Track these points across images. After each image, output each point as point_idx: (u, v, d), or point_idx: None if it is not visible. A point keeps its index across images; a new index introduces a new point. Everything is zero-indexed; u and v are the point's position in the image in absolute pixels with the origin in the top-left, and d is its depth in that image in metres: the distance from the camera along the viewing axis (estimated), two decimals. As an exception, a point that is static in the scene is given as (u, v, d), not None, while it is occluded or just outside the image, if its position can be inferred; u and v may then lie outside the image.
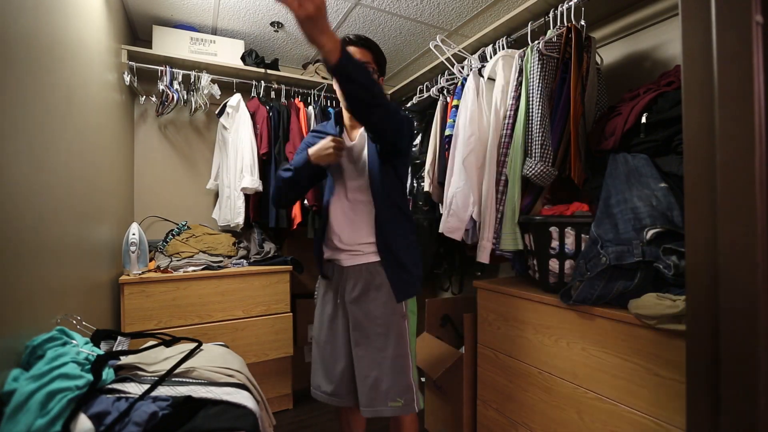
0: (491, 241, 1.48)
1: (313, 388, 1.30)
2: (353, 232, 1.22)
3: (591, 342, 1.09)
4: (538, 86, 1.32)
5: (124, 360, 0.89)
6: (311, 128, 2.28)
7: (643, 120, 1.12)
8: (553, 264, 1.24)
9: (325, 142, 1.17)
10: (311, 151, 1.18)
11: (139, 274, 1.71)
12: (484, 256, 1.49)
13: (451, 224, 1.61)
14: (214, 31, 2.23)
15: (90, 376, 0.71)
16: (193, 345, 1.00)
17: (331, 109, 2.39)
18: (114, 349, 0.97)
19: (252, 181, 2.03)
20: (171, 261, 1.84)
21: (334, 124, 1.33)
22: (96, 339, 0.94)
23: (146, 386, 0.78)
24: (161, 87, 2.01)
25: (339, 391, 1.24)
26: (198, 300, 1.81)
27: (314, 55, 2.54)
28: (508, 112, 1.45)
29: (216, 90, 2.08)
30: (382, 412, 1.16)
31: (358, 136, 1.27)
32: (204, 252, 1.97)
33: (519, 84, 1.43)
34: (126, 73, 1.89)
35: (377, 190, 1.20)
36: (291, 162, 1.27)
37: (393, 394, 1.16)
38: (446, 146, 1.72)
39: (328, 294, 1.29)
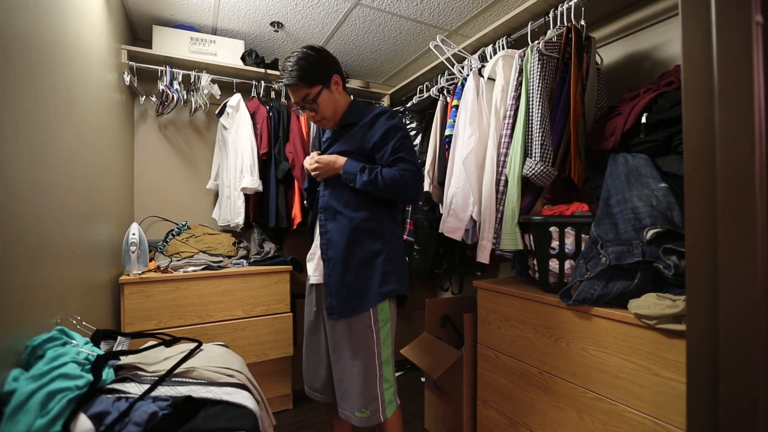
0: (491, 241, 1.48)
1: (305, 385, 1.38)
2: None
3: (591, 342, 1.09)
4: (538, 86, 1.32)
5: (124, 360, 0.89)
6: (311, 129, 2.29)
7: (643, 120, 1.11)
8: (553, 264, 1.24)
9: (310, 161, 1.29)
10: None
11: (139, 274, 1.71)
12: (484, 256, 1.49)
13: (451, 224, 1.61)
14: (214, 31, 2.23)
15: (90, 376, 0.71)
16: (193, 345, 1.00)
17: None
18: (114, 349, 0.97)
19: (252, 181, 2.03)
20: (171, 261, 1.84)
21: (321, 134, 1.47)
22: (96, 339, 0.94)
23: (146, 386, 0.78)
24: (161, 87, 2.01)
25: (323, 390, 1.32)
26: (198, 300, 1.81)
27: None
28: (508, 112, 1.45)
29: (216, 90, 2.08)
30: (351, 419, 1.20)
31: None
32: (204, 252, 1.97)
33: (519, 84, 1.43)
34: (126, 73, 1.89)
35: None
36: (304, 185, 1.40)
37: (359, 405, 1.19)
38: (446, 146, 1.73)
39: (311, 295, 1.34)
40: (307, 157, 1.31)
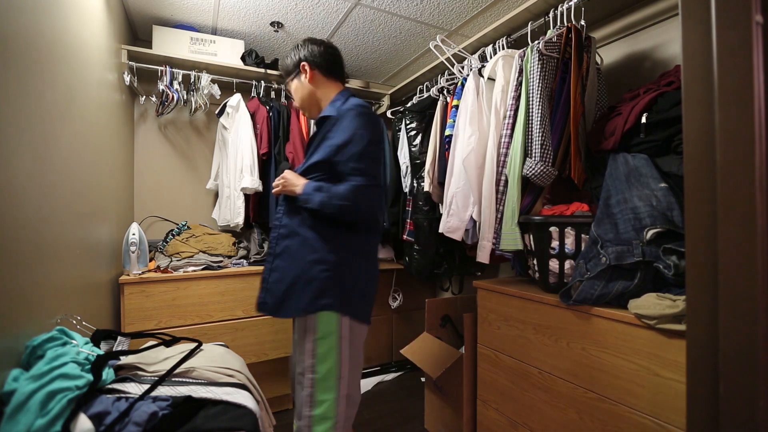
0: (491, 241, 1.48)
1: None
2: None
3: (591, 342, 1.09)
4: (538, 86, 1.32)
5: (124, 360, 0.89)
6: (311, 129, 2.28)
7: (643, 120, 1.11)
8: (553, 264, 1.24)
9: None
10: None
11: (139, 274, 1.71)
12: (484, 256, 1.49)
13: (451, 224, 1.61)
14: (214, 31, 2.23)
15: (90, 376, 0.71)
16: (193, 345, 1.01)
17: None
18: (114, 349, 0.97)
19: (252, 181, 2.03)
20: (171, 261, 1.84)
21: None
22: (96, 339, 0.94)
23: (146, 386, 0.78)
24: (161, 87, 2.01)
25: None
26: (198, 300, 1.81)
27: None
28: (508, 112, 1.45)
29: (216, 90, 2.08)
30: None
31: None
32: (204, 252, 1.97)
33: (519, 84, 1.43)
34: (126, 73, 1.89)
35: None
36: None
37: None
38: (446, 146, 1.73)
39: None
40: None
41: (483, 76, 1.60)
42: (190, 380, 0.85)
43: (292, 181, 1.18)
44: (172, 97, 2.03)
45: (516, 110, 1.43)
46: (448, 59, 1.88)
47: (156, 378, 0.82)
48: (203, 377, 0.87)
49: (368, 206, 1.12)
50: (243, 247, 2.14)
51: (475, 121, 1.56)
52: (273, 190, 1.24)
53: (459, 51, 1.84)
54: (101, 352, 0.86)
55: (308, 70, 1.25)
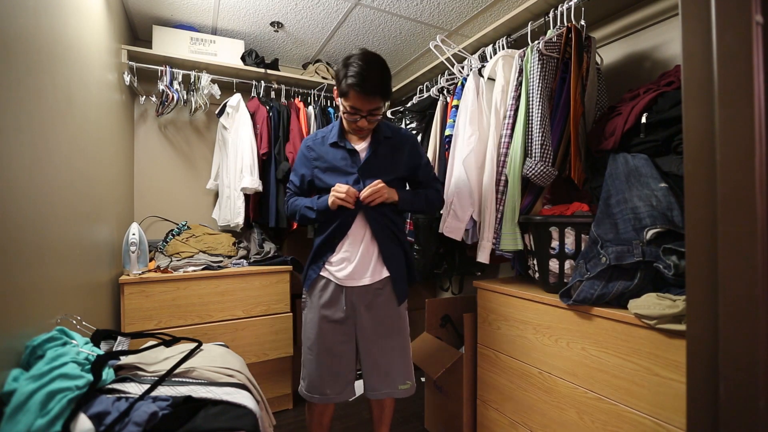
0: (491, 241, 1.48)
1: (319, 394, 1.34)
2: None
3: (591, 342, 1.09)
4: (538, 86, 1.32)
5: (124, 360, 0.89)
6: (310, 136, 2.14)
7: (643, 120, 1.11)
8: (553, 264, 1.24)
9: (345, 195, 1.23)
10: (331, 200, 1.26)
11: (139, 274, 1.71)
12: (484, 256, 1.49)
13: (451, 224, 1.61)
14: (214, 31, 2.23)
15: (90, 376, 0.71)
16: (193, 345, 1.00)
17: (331, 109, 2.39)
18: (114, 349, 0.97)
19: (252, 181, 2.03)
20: (171, 261, 1.84)
21: (337, 135, 1.34)
22: (96, 339, 0.94)
23: (146, 386, 0.78)
24: (161, 87, 2.01)
25: (341, 390, 1.36)
26: (198, 300, 1.81)
27: (314, 55, 2.54)
28: (508, 112, 1.45)
29: (216, 90, 2.09)
30: (393, 394, 1.36)
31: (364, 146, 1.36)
32: (204, 252, 1.97)
33: (519, 84, 1.43)
34: (126, 73, 1.89)
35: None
36: (313, 203, 1.33)
37: (404, 377, 1.38)
38: (446, 146, 1.73)
39: (340, 296, 1.34)
40: (342, 193, 1.24)
41: (483, 76, 1.60)
42: (190, 380, 0.85)
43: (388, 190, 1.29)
44: (172, 97, 2.03)
45: (516, 110, 1.43)
46: (448, 59, 1.88)
47: (156, 378, 0.82)
48: (203, 377, 0.87)
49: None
50: (243, 247, 2.14)
51: (475, 121, 1.56)
52: (375, 199, 1.24)
53: (459, 51, 1.84)
54: (101, 352, 0.86)
55: None
